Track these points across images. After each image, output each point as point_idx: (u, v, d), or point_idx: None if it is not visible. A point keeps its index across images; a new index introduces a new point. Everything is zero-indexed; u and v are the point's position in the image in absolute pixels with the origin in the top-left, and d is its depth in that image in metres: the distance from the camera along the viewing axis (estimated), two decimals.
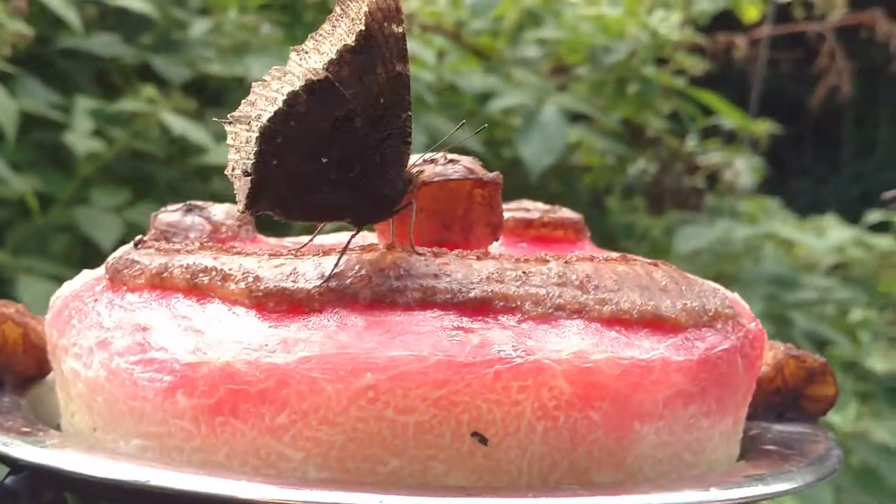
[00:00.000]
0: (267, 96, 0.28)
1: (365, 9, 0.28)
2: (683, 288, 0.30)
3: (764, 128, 1.68)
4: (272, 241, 0.36)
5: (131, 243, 0.32)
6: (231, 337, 0.27)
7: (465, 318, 0.27)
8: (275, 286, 0.28)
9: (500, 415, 0.26)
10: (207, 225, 0.35)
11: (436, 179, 0.32)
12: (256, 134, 0.28)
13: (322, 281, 0.28)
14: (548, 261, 0.30)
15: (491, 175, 0.33)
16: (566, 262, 0.30)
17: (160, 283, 0.30)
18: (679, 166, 1.64)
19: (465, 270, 0.28)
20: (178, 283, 0.29)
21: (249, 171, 0.28)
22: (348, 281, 0.28)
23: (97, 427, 0.29)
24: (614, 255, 0.32)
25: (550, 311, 0.28)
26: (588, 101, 1.42)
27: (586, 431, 0.27)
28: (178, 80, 1.10)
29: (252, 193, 0.29)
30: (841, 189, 3.67)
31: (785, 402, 0.35)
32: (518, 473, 0.27)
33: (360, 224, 0.30)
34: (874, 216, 1.80)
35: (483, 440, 0.26)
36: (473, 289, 0.28)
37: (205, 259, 0.30)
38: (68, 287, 0.33)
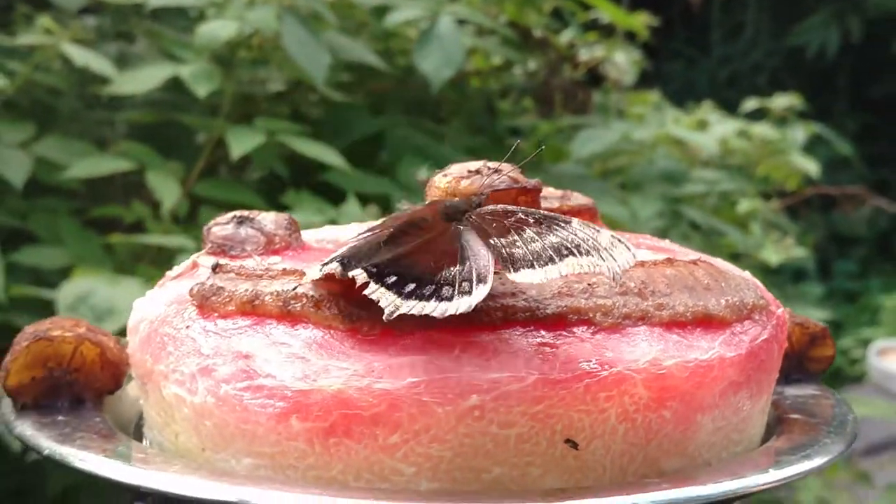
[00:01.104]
0: None
1: None
2: (723, 284, 0.34)
3: (641, 21, 1.72)
4: (315, 244, 0.39)
5: (210, 268, 0.34)
6: (336, 364, 0.30)
7: (545, 332, 0.30)
8: (367, 312, 0.31)
9: (589, 422, 0.30)
10: (262, 237, 0.37)
11: (486, 191, 0.34)
12: None
13: None
14: None
15: (532, 182, 0.36)
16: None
17: (252, 310, 0.32)
18: (566, 67, 1.67)
19: (537, 286, 0.31)
20: (270, 310, 0.32)
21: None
22: None
23: (206, 448, 0.31)
24: (659, 257, 0.35)
25: (619, 320, 0.31)
26: (480, 9, 1.44)
27: (658, 428, 0.31)
28: (73, 7, 1.09)
29: None
30: (710, 71, 3.76)
31: (791, 364, 0.39)
32: (602, 470, 0.30)
33: None
34: (750, 104, 1.87)
35: (574, 445, 0.30)
36: (549, 305, 0.31)
37: (291, 285, 0.32)
38: (147, 311, 0.34)
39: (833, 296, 3.20)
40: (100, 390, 0.35)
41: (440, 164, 1.19)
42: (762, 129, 1.73)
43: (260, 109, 1.44)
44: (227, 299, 0.32)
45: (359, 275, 0.30)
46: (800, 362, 0.39)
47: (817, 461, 0.32)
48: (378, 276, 0.30)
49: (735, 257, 1.62)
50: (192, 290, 0.33)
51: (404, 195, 1.37)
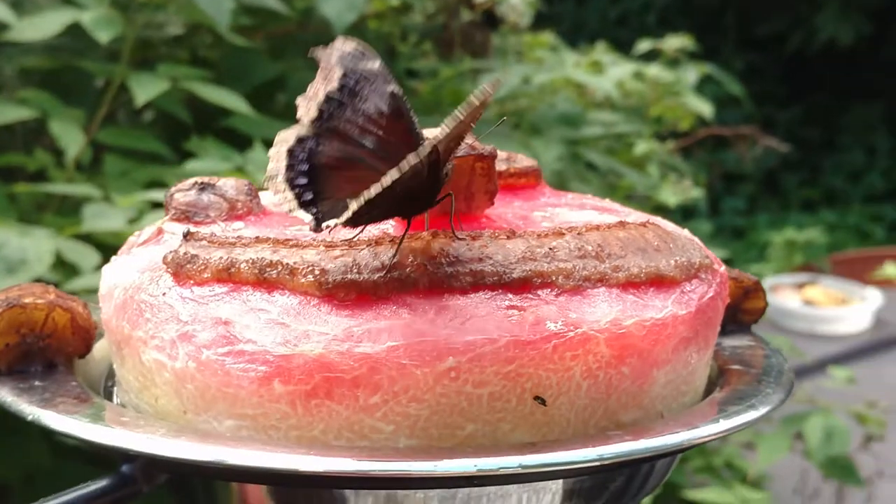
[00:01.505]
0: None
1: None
2: (671, 245, 0.36)
3: None
4: (274, 209, 0.40)
5: (181, 235, 0.35)
6: (316, 329, 0.31)
7: (512, 296, 0.32)
8: (342, 278, 0.32)
9: (556, 380, 0.32)
10: (224, 203, 0.38)
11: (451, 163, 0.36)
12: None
13: (384, 272, 0.32)
14: (563, 233, 0.34)
15: (488, 149, 0.37)
16: (578, 234, 0.35)
17: (228, 278, 0.33)
18: (465, 11, 1.68)
19: (502, 252, 0.33)
20: (246, 278, 0.33)
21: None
22: (407, 270, 0.32)
23: (187, 410, 0.33)
24: (605, 218, 0.37)
25: (579, 283, 0.33)
26: None
27: (618, 383, 0.33)
28: None
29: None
30: (601, 10, 3.80)
31: (727, 316, 0.41)
32: (567, 424, 0.32)
33: (409, 217, 0.34)
34: (643, 45, 1.91)
35: (542, 402, 0.32)
36: (514, 269, 0.33)
37: (265, 253, 0.33)
38: (119, 278, 0.35)
39: (722, 232, 3.29)
40: (71, 354, 0.36)
41: None
42: (657, 71, 1.76)
43: (158, 54, 1.43)
44: (203, 267, 0.33)
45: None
46: (734, 314, 0.42)
47: (762, 410, 0.34)
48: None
49: (633, 199, 1.66)
50: (165, 257, 0.34)
51: None
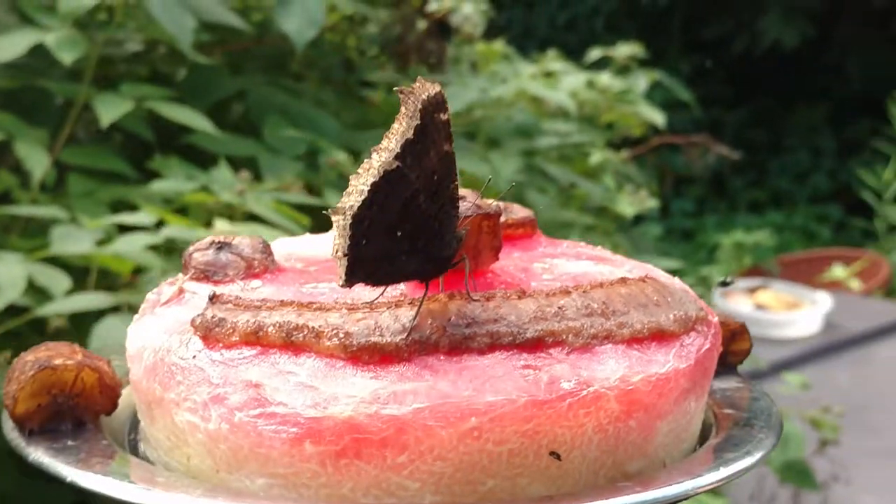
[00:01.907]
0: (356, 188, 0.34)
1: (420, 106, 0.34)
2: (669, 300, 0.38)
3: None
4: (285, 264, 0.41)
5: (208, 298, 0.36)
6: (344, 392, 0.33)
7: (526, 355, 0.34)
8: (366, 341, 0.34)
9: (570, 435, 0.34)
10: (241, 262, 0.40)
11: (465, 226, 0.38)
12: (350, 221, 0.34)
13: (406, 334, 0.34)
14: (570, 292, 0.37)
15: (493, 207, 0.39)
16: (584, 292, 0.37)
17: (256, 341, 0.35)
18: (420, 21, 1.70)
19: (515, 312, 0.35)
20: (274, 341, 0.35)
21: (346, 252, 0.34)
22: (428, 332, 0.34)
23: (220, 469, 0.34)
24: (601, 268, 0.39)
25: (588, 340, 0.35)
26: None
27: (626, 435, 0.35)
28: None
29: (349, 270, 0.34)
30: (549, 16, 3.83)
31: None
32: (578, 476, 0.34)
33: (426, 281, 0.36)
34: (594, 53, 1.94)
35: (558, 457, 0.34)
36: (528, 329, 0.35)
37: (291, 316, 0.35)
38: (147, 339, 0.37)
39: (671, 234, 3.34)
40: (98, 412, 0.38)
41: (300, 121, 1.21)
42: (608, 80, 1.79)
43: (118, 71, 1.44)
44: (231, 330, 0.35)
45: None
46: (722, 356, 0.44)
47: (757, 456, 0.36)
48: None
49: (589, 210, 1.69)
50: (194, 321, 0.36)
51: (270, 156, 1.39)
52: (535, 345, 0.34)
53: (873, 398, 1.70)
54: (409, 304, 0.35)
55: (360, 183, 0.34)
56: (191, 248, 0.40)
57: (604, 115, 1.80)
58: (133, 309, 0.96)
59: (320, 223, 1.31)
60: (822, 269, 2.63)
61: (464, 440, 0.33)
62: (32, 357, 0.37)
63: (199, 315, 0.36)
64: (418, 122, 0.34)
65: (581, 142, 1.69)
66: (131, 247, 1.02)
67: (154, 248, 1.03)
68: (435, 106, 0.34)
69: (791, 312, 1.90)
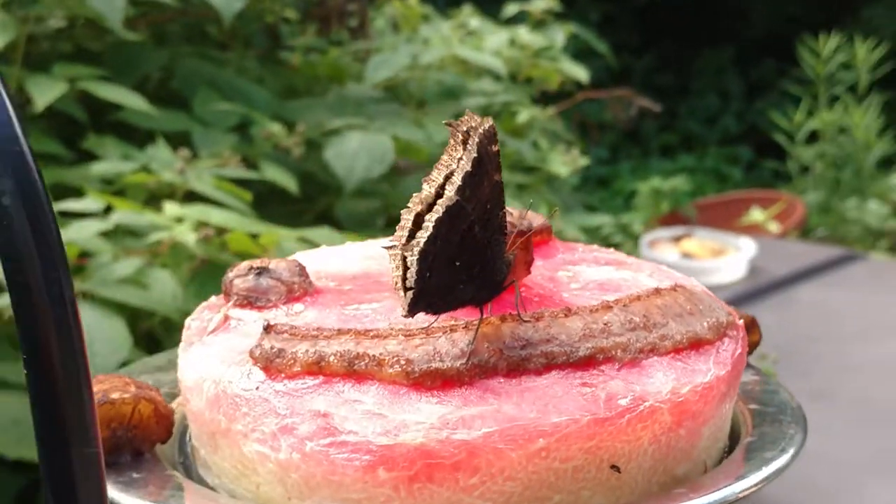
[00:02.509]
0: (414, 221, 0.35)
1: (477, 140, 0.35)
2: (701, 307, 0.40)
3: None
4: (318, 284, 0.42)
5: (262, 327, 0.37)
6: (413, 418, 0.34)
7: (581, 373, 0.36)
8: (427, 367, 0.35)
9: (628, 449, 0.35)
10: (282, 286, 0.41)
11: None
12: (417, 257, 0.35)
13: (465, 359, 0.35)
14: (611, 307, 0.38)
15: (526, 224, 0.41)
16: (624, 306, 0.38)
17: (318, 370, 0.36)
18: None
19: (565, 331, 0.37)
20: (336, 370, 0.36)
21: (412, 285, 0.35)
22: (486, 355, 0.35)
23: (292, 497, 0.35)
24: (622, 273, 0.41)
25: (635, 355, 0.37)
26: None
27: (675, 443, 0.37)
28: None
29: (413, 303, 0.35)
30: None
31: None
32: (635, 484, 0.36)
33: (480, 305, 0.37)
34: (511, 8, 1.95)
35: (618, 469, 0.35)
36: (579, 348, 0.36)
37: (349, 345, 0.36)
38: (203, 370, 0.38)
39: (587, 182, 3.37)
40: (154, 441, 0.38)
41: (229, 93, 1.20)
42: (529, 37, 1.80)
43: (41, 48, 1.42)
44: (291, 361, 0.36)
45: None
46: None
47: (790, 452, 0.38)
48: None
49: (518, 169, 1.71)
50: (252, 353, 0.37)
51: (202, 130, 1.39)
52: (588, 362, 0.36)
53: (799, 341, 1.75)
54: (464, 328, 0.36)
55: (417, 216, 0.35)
56: (230, 275, 0.41)
57: (526, 72, 1.81)
58: (89, 297, 0.96)
59: (260, 198, 1.31)
60: (737, 213, 2.68)
61: (532, 460, 0.34)
62: None
63: (256, 346, 0.37)
64: (475, 155, 0.35)
65: (508, 100, 1.70)
66: (82, 234, 1.02)
67: (104, 234, 1.02)
68: (489, 139, 0.35)
69: (716, 259, 1.94)
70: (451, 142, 0.36)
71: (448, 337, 0.36)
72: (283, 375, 0.36)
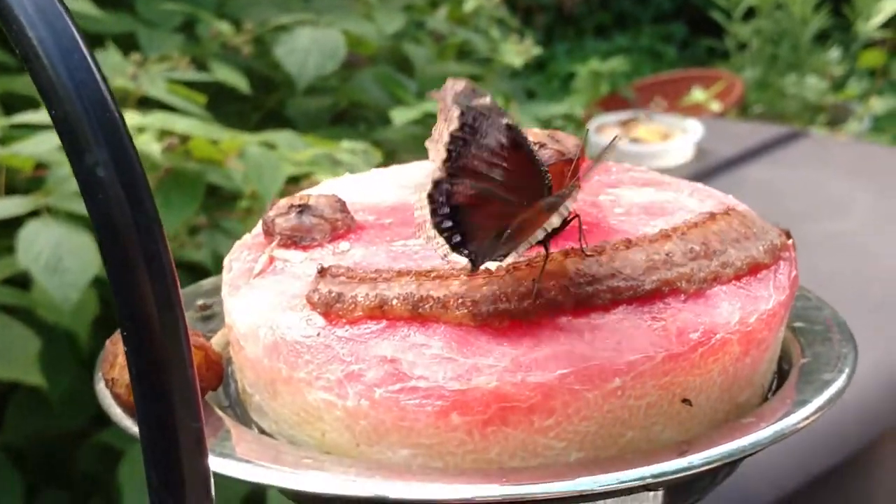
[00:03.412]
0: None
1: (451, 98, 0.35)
2: (755, 230, 0.39)
3: None
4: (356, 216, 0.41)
5: (316, 271, 0.36)
6: (484, 362, 0.34)
7: (648, 307, 0.35)
8: (494, 308, 0.34)
9: (699, 382, 0.35)
10: (326, 224, 0.39)
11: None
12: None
13: (532, 298, 0.34)
14: (670, 236, 0.37)
15: (570, 150, 0.40)
16: (682, 234, 0.37)
17: (381, 315, 0.35)
18: None
19: (629, 264, 0.36)
20: (400, 314, 0.35)
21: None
22: (552, 293, 0.35)
23: (360, 443, 0.35)
24: (665, 194, 0.40)
25: (700, 285, 0.36)
26: None
27: (741, 371, 0.36)
28: None
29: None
30: None
31: None
32: (703, 416, 0.36)
33: (546, 243, 0.36)
34: None
35: (689, 403, 0.35)
36: (645, 281, 0.35)
37: (411, 287, 0.35)
38: (257, 316, 0.37)
39: (525, 66, 3.34)
40: (206, 389, 0.37)
41: None
42: None
43: None
44: (352, 305, 0.35)
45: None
46: None
47: (846, 371, 0.38)
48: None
49: (467, 59, 1.69)
50: (310, 297, 0.36)
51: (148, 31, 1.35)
52: (654, 295, 0.35)
53: None
54: (527, 265, 0.35)
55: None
56: (270, 213, 0.39)
57: None
58: (52, 212, 0.94)
59: (214, 100, 1.28)
60: (675, 92, 2.68)
61: (608, 399, 0.34)
62: None
63: (313, 291, 0.36)
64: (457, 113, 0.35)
65: None
66: (40, 148, 0.99)
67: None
68: (468, 96, 0.36)
69: (664, 143, 1.94)
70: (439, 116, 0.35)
71: (512, 276, 0.35)
72: (343, 321, 0.35)
